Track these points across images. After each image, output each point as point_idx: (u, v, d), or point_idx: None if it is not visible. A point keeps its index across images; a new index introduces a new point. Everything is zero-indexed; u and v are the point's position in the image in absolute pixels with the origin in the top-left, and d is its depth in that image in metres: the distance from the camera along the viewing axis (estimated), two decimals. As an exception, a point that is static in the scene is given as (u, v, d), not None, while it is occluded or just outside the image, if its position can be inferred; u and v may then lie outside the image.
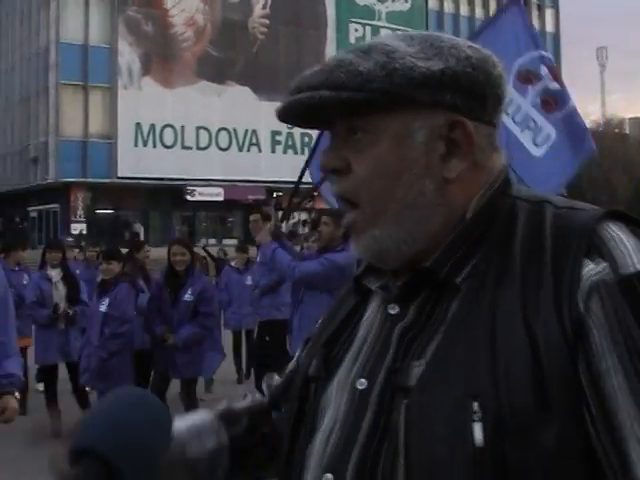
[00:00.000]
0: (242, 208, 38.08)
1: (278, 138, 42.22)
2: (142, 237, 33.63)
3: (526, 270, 1.12)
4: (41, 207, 41.46)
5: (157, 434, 1.13)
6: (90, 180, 37.92)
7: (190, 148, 39.99)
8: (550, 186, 5.75)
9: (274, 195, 36.46)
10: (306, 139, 40.28)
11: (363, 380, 1.19)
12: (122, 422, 1.10)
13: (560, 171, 6.09)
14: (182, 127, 39.84)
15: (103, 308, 7.59)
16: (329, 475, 1.16)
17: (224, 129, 41.30)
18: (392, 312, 1.22)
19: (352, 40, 41.75)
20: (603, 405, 1.03)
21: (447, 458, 1.06)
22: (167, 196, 40.24)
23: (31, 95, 40.18)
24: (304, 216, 36.96)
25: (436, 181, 1.19)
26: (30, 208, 42.59)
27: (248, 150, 42.06)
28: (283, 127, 39.64)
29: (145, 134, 38.92)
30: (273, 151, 42.35)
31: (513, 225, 1.17)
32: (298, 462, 1.24)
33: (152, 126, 39.04)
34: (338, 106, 1.18)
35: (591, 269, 1.07)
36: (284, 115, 1.26)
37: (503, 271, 1.13)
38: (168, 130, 39.49)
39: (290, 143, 42.66)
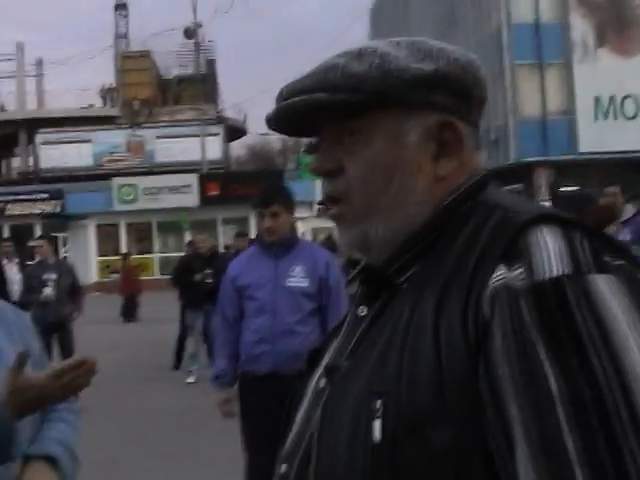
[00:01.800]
0: None
1: None
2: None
3: (451, 273, 1.12)
4: (506, 187, 42.15)
5: None
6: (552, 158, 37.69)
7: (653, 117, 37.93)
8: None
9: None
10: None
11: (324, 379, 1.25)
12: None
13: None
14: (644, 96, 37.94)
15: None
16: (284, 465, 1.26)
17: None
18: (360, 314, 1.27)
19: None
20: (498, 412, 1.02)
21: (348, 453, 1.12)
22: (631, 169, 38.64)
23: (487, 78, 41.00)
24: None
25: (427, 180, 1.23)
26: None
27: None
28: None
29: (604, 107, 37.67)
30: None
31: (462, 229, 1.17)
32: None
33: (611, 98, 37.69)
34: (332, 109, 1.22)
35: (501, 274, 1.06)
36: (274, 121, 1.30)
37: (435, 273, 1.15)
38: (629, 101, 37.77)
39: None
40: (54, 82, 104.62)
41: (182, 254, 15.58)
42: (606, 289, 1.02)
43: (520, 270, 1.05)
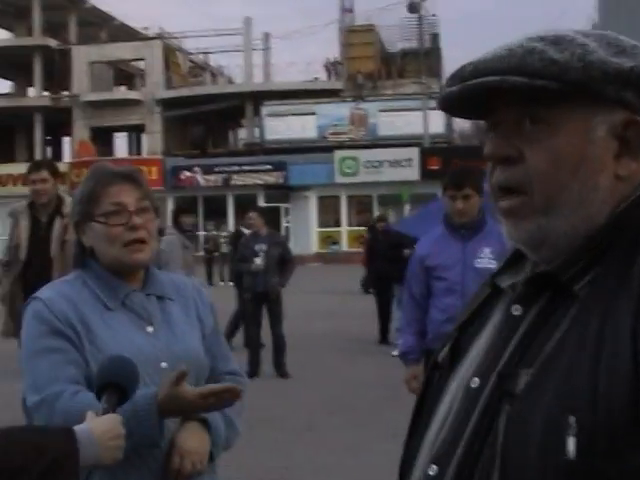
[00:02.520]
0: None
1: None
2: None
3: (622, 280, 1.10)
4: None
5: (134, 375, 2.04)
6: None
7: None
8: None
9: None
10: None
11: (477, 379, 1.22)
12: (120, 368, 2.03)
13: None
14: None
15: None
16: (434, 467, 1.22)
17: None
18: (515, 313, 1.23)
19: None
20: None
21: (540, 468, 1.09)
22: None
23: None
24: None
25: (609, 179, 1.19)
26: None
27: None
28: None
29: None
30: None
31: None
32: (415, 445, 1.32)
33: None
34: (521, 93, 1.19)
35: None
36: (455, 99, 1.26)
37: (621, 284, 1.11)
38: None
39: None
40: (280, 55, 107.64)
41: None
42: None
43: None
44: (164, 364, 2.34)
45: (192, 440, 2.32)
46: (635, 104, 1.18)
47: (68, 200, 5.75)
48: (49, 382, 2.22)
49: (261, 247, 10.49)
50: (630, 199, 1.19)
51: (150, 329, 2.40)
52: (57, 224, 5.86)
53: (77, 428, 1.86)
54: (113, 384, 2.00)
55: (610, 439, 1.04)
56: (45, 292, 2.40)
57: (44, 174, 5.91)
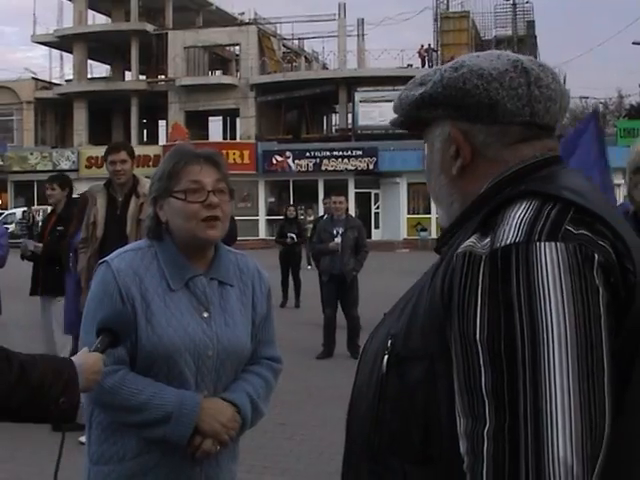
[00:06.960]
0: None
1: None
2: None
3: (457, 240, 1.38)
4: None
5: (128, 328, 2.35)
6: None
7: None
8: None
9: None
10: None
11: None
12: (115, 319, 2.32)
13: None
14: None
15: None
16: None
17: None
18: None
19: None
20: (455, 356, 1.28)
21: (369, 379, 1.49)
22: None
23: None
24: None
25: (448, 176, 1.52)
26: None
27: None
28: None
29: None
30: None
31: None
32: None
33: None
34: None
35: (470, 241, 1.29)
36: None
37: (455, 242, 1.39)
38: None
39: None
40: (374, 41, 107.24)
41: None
42: (547, 255, 1.22)
43: (488, 239, 1.27)
44: (210, 352, 2.50)
45: (215, 423, 2.49)
46: (453, 116, 1.48)
47: (144, 180, 5.98)
48: None
49: (338, 230, 10.70)
50: (484, 189, 1.45)
51: (206, 314, 2.53)
52: (132, 203, 6.09)
53: (74, 359, 2.19)
54: (110, 330, 2.25)
55: (403, 358, 1.40)
56: (117, 261, 2.53)
57: (123, 155, 6.14)
